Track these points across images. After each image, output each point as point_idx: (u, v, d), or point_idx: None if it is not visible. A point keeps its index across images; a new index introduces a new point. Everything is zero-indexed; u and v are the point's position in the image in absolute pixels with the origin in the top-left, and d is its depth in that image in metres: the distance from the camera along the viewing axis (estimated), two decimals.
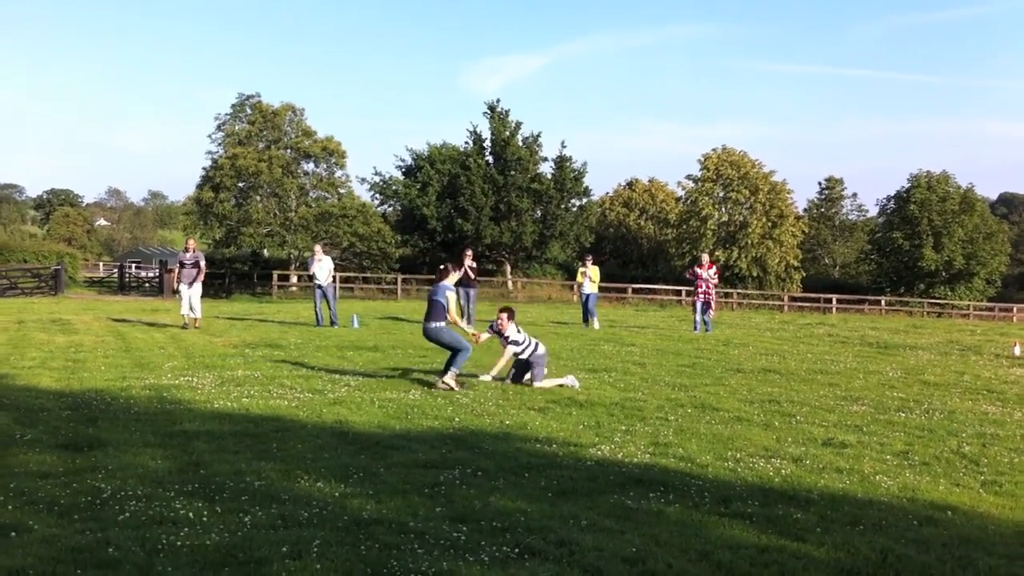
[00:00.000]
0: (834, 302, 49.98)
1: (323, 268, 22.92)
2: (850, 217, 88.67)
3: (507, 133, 51.37)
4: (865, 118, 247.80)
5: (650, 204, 77.67)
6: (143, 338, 18.11)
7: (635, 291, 48.15)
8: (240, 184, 50.19)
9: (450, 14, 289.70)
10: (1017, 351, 19.29)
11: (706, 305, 23.40)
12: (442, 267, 13.23)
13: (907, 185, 67.43)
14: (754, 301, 51.60)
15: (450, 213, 50.80)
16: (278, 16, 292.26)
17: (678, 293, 47.75)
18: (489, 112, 52.14)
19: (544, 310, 34.91)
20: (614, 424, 9.90)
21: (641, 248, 74.24)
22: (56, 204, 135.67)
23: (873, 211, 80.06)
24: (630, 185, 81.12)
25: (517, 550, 5.50)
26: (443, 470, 7.47)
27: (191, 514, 6.01)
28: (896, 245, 65.21)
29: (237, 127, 51.86)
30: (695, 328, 23.32)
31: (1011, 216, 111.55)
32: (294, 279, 48.72)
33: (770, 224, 62.17)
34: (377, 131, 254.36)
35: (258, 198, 50.64)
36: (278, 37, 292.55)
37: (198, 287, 21.14)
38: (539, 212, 51.97)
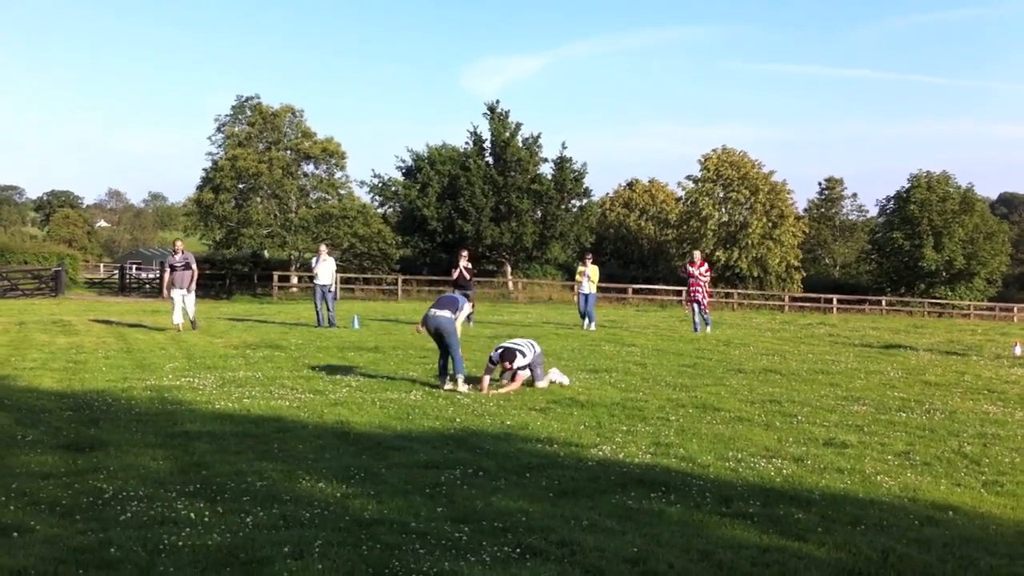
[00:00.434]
0: (835, 302, 49.95)
1: (326, 268, 22.92)
2: (850, 217, 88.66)
3: (507, 134, 51.33)
4: (865, 118, 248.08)
5: (650, 205, 77.68)
6: (144, 339, 18.12)
7: (635, 291, 48.11)
8: (240, 185, 50.13)
9: (450, 16, 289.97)
10: (1018, 351, 19.28)
11: (698, 304, 23.24)
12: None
13: (907, 185, 67.39)
14: (755, 301, 51.56)
15: (450, 214, 50.78)
16: (278, 18, 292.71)
17: (678, 293, 47.62)
18: (489, 113, 52.10)
19: (545, 311, 34.91)
20: (615, 424, 9.90)
21: (641, 248, 74.23)
22: (56, 206, 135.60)
23: (873, 211, 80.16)
24: (630, 186, 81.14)
25: (519, 550, 5.51)
26: (444, 470, 7.47)
27: (193, 514, 6.02)
28: (896, 245, 65.16)
29: (237, 129, 51.81)
30: (695, 328, 23.23)
31: (1011, 216, 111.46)
32: (295, 280, 48.69)
33: (770, 224, 62.11)
34: (377, 132, 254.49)
35: (258, 199, 50.58)
36: (278, 39, 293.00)
37: (191, 291, 20.31)
38: (539, 213, 51.93)
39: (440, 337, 12.43)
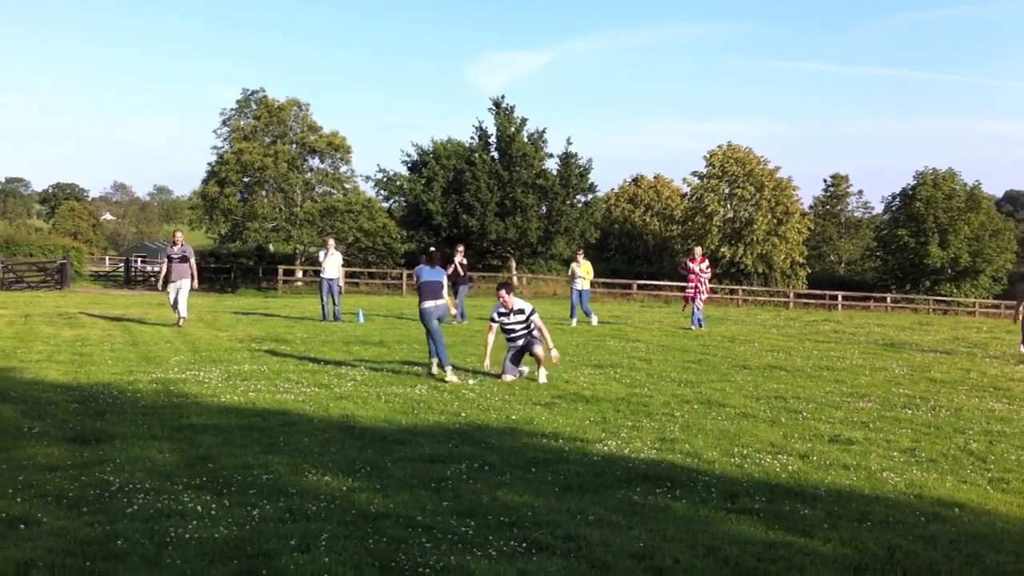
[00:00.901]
0: (840, 299, 49.90)
1: (333, 262, 22.92)
2: (856, 214, 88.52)
3: (512, 129, 51.33)
4: (871, 115, 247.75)
5: (655, 200, 77.63)
6: (149, 332, 18.14)
7: (640, 287, 48.12)
8: (245, 179, 50.23)
9: (456, 10, 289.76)
10: None
11: (689, 300, 22.92)
12: (432, 252, 13.52)
13: (913, 182, 67.28)
14: (760, 298, 51.53)
15: (455, 209, 50.80)
16: (284, 12, 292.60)
17: (683, 290, 47.57)
18: (494, 108, 52.09)
19: (549, 306, 34.86)
20: (620, 420, 9.90)
21: (646, 244, 74.22)
22: (62, 198, 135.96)
23: (879, 208, 79.96)
24: (635, 181, 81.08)
25: (525, 544, 5.51)
26: (450, 464, 7.48)
27: (199, 507, 6.03)
28: (902, 242, 65.07)
29: (242, 122, 51.90)
30: (700, 325, 22.91)
31: (1017, 214, 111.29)
32: (299, 274, 48.75)
33: (775, 221, 62.00)
34: (382, 127, 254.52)
35: (263, 193, 50.66)
36: (284, 33, 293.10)
37: (187, 284, 19.61)
38: (544, 208, 51.94)
39: (433, 324, 12.89)
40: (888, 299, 52.56)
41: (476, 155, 51.22)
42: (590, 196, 54.34)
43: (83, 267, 52.88)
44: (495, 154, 52.18)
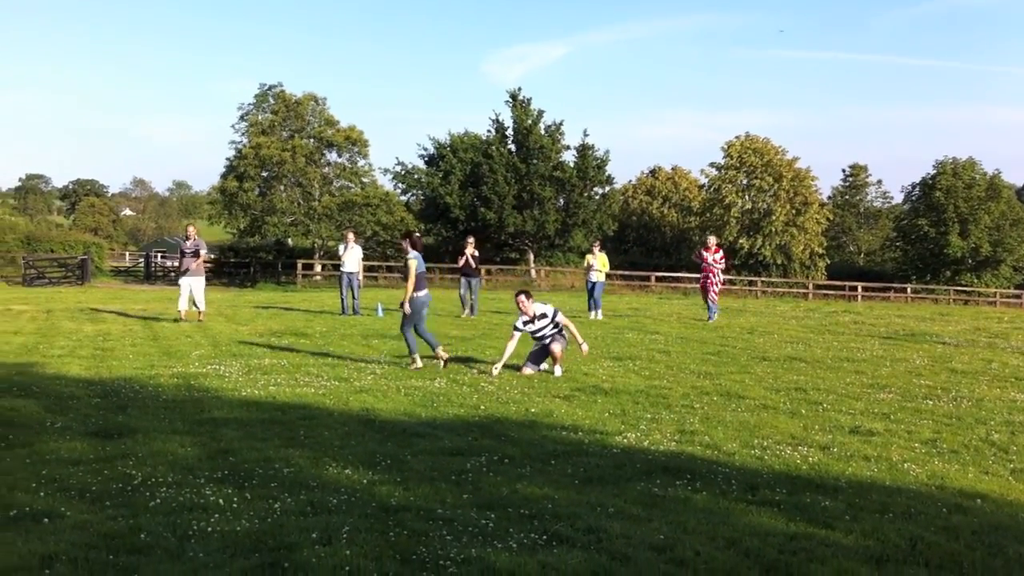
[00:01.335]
0: (859, 290, 49.69)
1: (353, 256, 22.97)
2: (875, 204, 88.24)
3: (529, 122, 51.30)
4: (890, 104, 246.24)
5: (673, 192, 77.45)
6: (170, 327, 18.23)
7: (658, 279, 48.06)
8: (264, 173, 50.39)
9: (472, 3, 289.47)
10: None
11: (705, 291, 22.83)
12: (417, 235, 13.53)
13: (932, 172, 66.94)
14: (778, 289, 51.38)
15: (473, 202, 50.83)
16: (300, 6, 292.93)
17: (698, 280, 47.54)
18: (511, 101, 52.07)
19: (567, 298, 34.87)
20: (639, 412, 9.89)
21: (664, 236, 74.07)
22: (82, 194, 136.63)
23: (898, 198, 79.70)
24: (653, 173, 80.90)
25: (545, 537, 5.51)
26: (469, 457, 7.49)
27: (221, 500, 6.05)
28: (922, 232, 64.76)
29: (260, 117, 52.05)
30: (710, 318, 22.55)
31: None
32: (318, 268, 48.87)
33: (794, 211, 61.83)
34: (399, 120, 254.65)
35: (282, 187, 50.83)
36: (300, 27, 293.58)
37: (201, 279, 20.01)
38: (562, 200, 51.90)
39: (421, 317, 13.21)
40: (908, 290, 52.30)
41: (493, 148, 51.21)
42: (607, 188, 54.28)
43: (103, 263, 53.27)
44: (512, 147, 52.17)
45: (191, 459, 7.24)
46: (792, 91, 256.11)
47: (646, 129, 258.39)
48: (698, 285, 26.12)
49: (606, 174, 52.96)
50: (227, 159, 52.20)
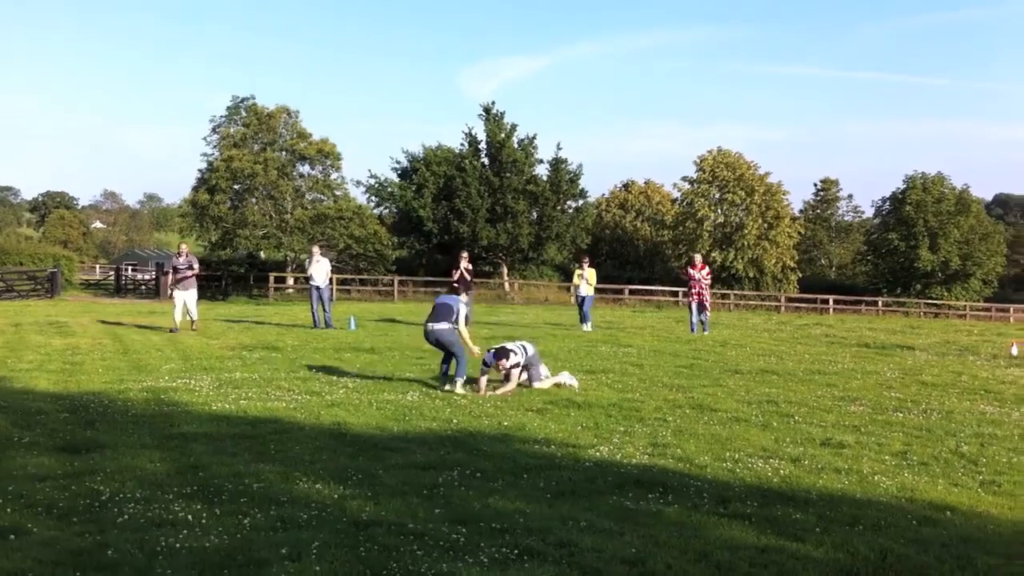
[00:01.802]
0: (831, 303, 50.04)
1: (320, 270, 22.91)
2: (846, 218, 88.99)
3: (503, 135, 51.34)
4: (860, 120, 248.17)
5: (646, 206, 77.66)
6: (140, 340, 18.10)
7: (632, 292, 48.17)
8: (236, 186, 50.08)
9: (447, 16, 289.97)
10: (1015, 351, 19.32)
11: (701, 306, 23.43)
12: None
13: (902, 186, 67.55)
14: (751, 302, 51.63)
15: (446, 215, 50.77)
16: (273, 18, 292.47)
17: (675, 294, 47.79)
18: (484, 114, 52.11)
19: (541, 312, 34.94)
20: (612, 425, 9.90)
21: (637, 250, 74.22)
22: (51, 206, 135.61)
23: (869, 212, 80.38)
24: (626, 187, 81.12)
25: (516, 551, 5.50)
26: (442, 471, 7.47)
27: (190, 516, 6.01)
28: (892, 246, 65.30)
29: (232, 129, 51.74)
30: (692, 329, 23.35)
31: (1007, 217, 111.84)
32: (291, 281, 48.66)
33: (766, 225, 62.18)
34: (372, 134, 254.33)
35: (254, 200, 50.54)
36: (273, 39, 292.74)
37: (194, 291, 21.38)
38: (535, 214, 51.91)
39: (442, 346, 12.66)
40: (879, 303, 52.68)
41: (466, 161, 51.22)
42: (581, 202, 54.34)
43: (74, 275, 52.74)
44: (485, 160, 52.19)
45: (160, 474, 7.18)
46: (764, 106, 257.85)
47: (619, 143, 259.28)
48: (686, 300, 26.72)
49: (579, 188, 53.04)
50: (199, 171, 51.89)
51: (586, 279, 24.78)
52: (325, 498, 6.61)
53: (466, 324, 12.72)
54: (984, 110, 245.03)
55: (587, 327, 24.05)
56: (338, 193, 52.41)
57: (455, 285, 23.28)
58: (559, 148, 52.54)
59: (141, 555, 5.26)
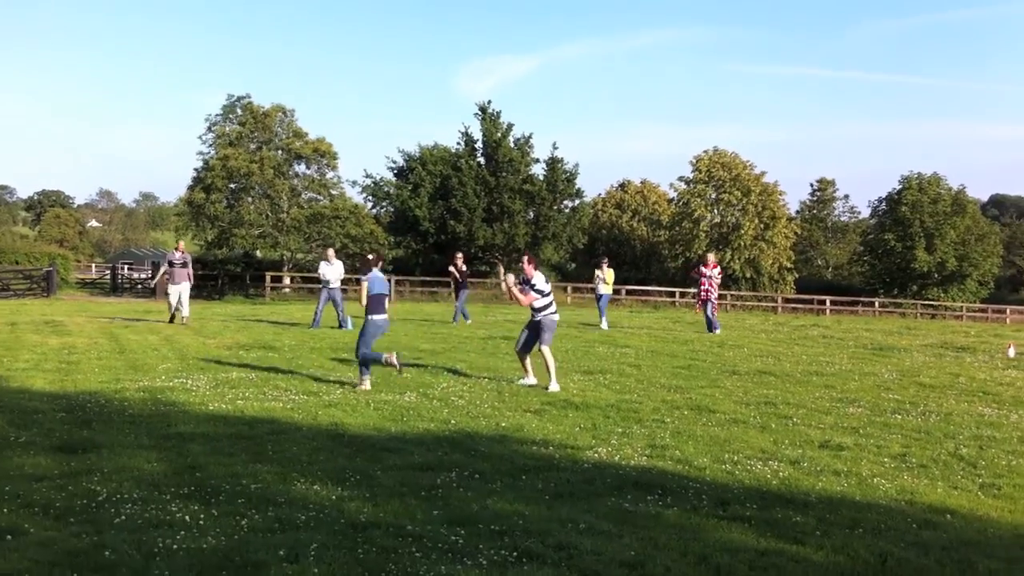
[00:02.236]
0: (828, 303, 50.05)
1: (335, 271, 22.92)
2: (842, 219, 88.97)
3: (499, 134, 51.28)
4: (856, 120, 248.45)
5: (642, 206, 77.63)
6: (137, 339, 18.05)
7: (628, 293, 48.16)
8: (232, 185, 50.06)
9: (443, 16, 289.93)
10: (1012, 352, 19.32)
11: (708, 304, 23.58)
12: (372, 256, 13.40)
13: (898, 187, 67.57)
14: (748, 303, 51.65)
15: (442, 215, 50.71)
16: (269, 17, 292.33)
17: (671, 295, 47.82)
18: (480, 113, 52.04)
19: None
20: (610, 426, 9.89)
21: (634, 250, 74.19)
22: (47, 205, 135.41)
23: (865, 213, 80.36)
24: (622, 187, 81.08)
25: (515, 553, 5.49)
26: (440, 472, 7.45)
27: (187, 517, 5.99)
28: (888, 247, 65.31)
29: (228, 128, 51.71)
30: (709, 329, 23.38)
31: (1002, 218, 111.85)
32: (287, 280, 48.63)
33: (762, 226, 62.22)
34: (369, 133, 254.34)
35: (250, 199, 50.50)
36: (269, 38, 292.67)
37: (187, 286, 22.39)
38: (532, 214, 51.86)
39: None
40: (876, 304, 52.71)
41: (463, 161, 51.16)
42: (577, 201, 54.30)
43: (69, 274, 52.72)
44: (481, 160, 52.13)
45: (157, 475, 7.16)
46: (760, 106, 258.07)
47: (615, 143, 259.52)
48: (696, 300, 27.15)
49: (576, 187, 52.97)
50: (194, 170, 51.84)
51: (603, 278, 25.47)
52: (323, 499, 6.59)
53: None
54: (980, 111, 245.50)
55: (604, 325, 24.74)
56: (334, 192, 52.42)
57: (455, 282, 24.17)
58: (555, 148, 52.33)
59: (138, 556, 5.24)
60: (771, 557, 5.60)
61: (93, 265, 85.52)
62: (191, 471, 7.28)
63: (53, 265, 45.69)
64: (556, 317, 13.16)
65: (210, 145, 51.64)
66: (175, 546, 5.41)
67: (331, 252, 23.90)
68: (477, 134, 52.32)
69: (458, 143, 53.35)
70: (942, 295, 62.76)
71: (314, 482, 7.04)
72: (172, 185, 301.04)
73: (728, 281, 60.14)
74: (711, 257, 25.18)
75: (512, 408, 10.86)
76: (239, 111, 51.68)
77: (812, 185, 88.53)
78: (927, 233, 63.98)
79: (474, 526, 6.01)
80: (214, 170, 48.79)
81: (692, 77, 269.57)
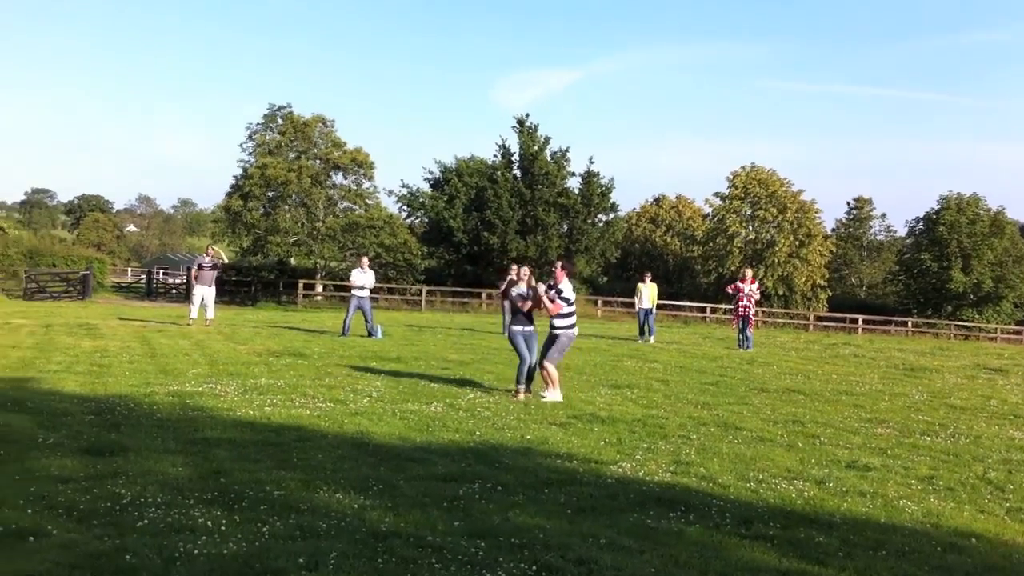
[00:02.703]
0: (860, 322, 49.58)
1: (367, 279, 23.03)
2: (878, 237, 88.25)
3: (535, 147, 51.37)
4: (896, 138, 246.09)
5: (677, 220, 77.52)
6: (168, 344, 18.19)
7: (659, 307, 47.80)
8: (269, 193, 50.45)
9: (484, 28, 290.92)
10: None
11: (745, 320, 23.47)
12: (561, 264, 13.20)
13: (936, 207, 67.02)
14: (779, 320, 51.30)
15: (476, 226, 50.82)
16: (310, 27, 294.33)
17: (703, 310, 47.59)
18: (518, 126, 52.18)
19: None
20: (635, 441, 9.84)
21: (667, 264, 74.00)
22: (87, 210, 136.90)
23: (902, 232, 79.65)
24: (657, 201, 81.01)
25: (535, 567, 5.46)
26: (462, 484, 7.44)
27: (210, 522, 6.00)
28: (924, 266, 64.78)
29: (268, 137, 52.16)
30: (739, 346, 23.35)
31: None
32: (320, 288, 48.88)
33: (797, 243, 61.89)
34: (406, 143, 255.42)
35: (286, 207, 50.88)
36: (310, 48, 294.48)
37: (212, 289, 23.60)
38: (565, 227, 51.91)
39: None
40: (909, 323, 52.20)
41: (498, 173, 51.28)
42: (611, 215, 54.27)
43: (105, 278, 53.21)
44: (517, 172, 52.23)
45: (182, 479, 7.19)
46: (799, 122, 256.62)
47: (651, 157, 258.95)
48: (731, 317, 27.49)
49: (610, 201, 52.98)
50: (233, 178, 52.33)
51: (645, 294, 26.02)
52: (345, 508, 6.59)
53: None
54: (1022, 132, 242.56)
55: (650, 339, 25.25)
56: (370, 202, 52.69)
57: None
58: (591, 162, 52.40)
59: (159, 560, 5.26)
60: None
61: (129, 269, 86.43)
62: (215, 476, 7.31)
63: (89, 268, 46.17)
64: (574, 332, 13.02)
65: (250, 153, 52.12)
66: (196, 551, 5.42)
67: (365, 260, 24.02)
68: (514, 147, 52.46)
69: (494, 155, 53.51)
70: (976, 316, 62.10)
71: (337, 490, 7.04)
72: (211, 192, 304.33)
73: (760, 298, 59.87)
74: (748, 272, 25.06)
75: (538, 420, 10.84)
76: (280, 120, 52.12)
77: (849, 203, 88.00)
78: (964, 254, 63.41)
79: (495, 538, 5.99)
80: (252, 178, 49.20)
81: (730, 92, 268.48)
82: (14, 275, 44.15)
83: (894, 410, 13.26)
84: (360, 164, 52.15)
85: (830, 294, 65.30)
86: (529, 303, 12.96)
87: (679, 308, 48.58)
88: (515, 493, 7.26)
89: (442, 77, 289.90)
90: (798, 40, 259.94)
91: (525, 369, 12.99)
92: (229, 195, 51.75)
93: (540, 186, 50.42)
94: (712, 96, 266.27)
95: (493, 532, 6.13)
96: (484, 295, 45.02)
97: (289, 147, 51.47)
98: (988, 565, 6.05)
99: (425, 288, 46.38)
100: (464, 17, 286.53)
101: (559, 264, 13.11)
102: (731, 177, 64.81)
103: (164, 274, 72.24)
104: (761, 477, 8.29)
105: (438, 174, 57.29)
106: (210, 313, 23.49)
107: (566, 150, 52.03)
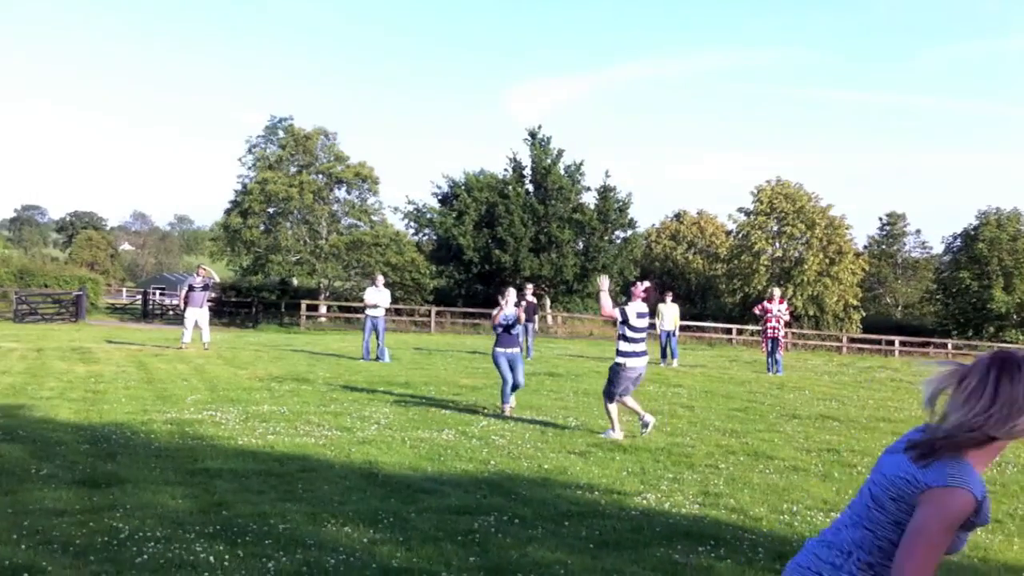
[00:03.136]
0: (896, 344, 49.34)
1: (383, 297, 22.95)
2: (913, 255, 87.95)
3: (548, 161, 51.40)
4: (930, 149, 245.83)
5: (699, 237, 77.54)
6: (166, 369, 18.23)
7: (682, 329, 47.79)
8: (270, 210, 50.67)
9: (493, 37, 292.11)
10: None
11: (775, 343, 23.45)
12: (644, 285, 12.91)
13: (975, 222, 66.81)
14: (810, 342, 51.11)
15: (487, 243, 50.84)
16: (312, 38, 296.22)
17: (728, 332, 47.47)
18: (530, 139, 52.23)
19: (585, 346, 34.80)
20: (660, 471, 9.80)
21: (689, 283, 73.99)
22: (79, 227, 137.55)
23: (938, 248, 79.42)
24: (678, 217, 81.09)
25: None
26: (477, 516, 7.42)
27: (212, 558, 6.00)
28: (963, 285, 64.50)
29: (268, 151, 52.41)
30: (768, 370, 23.31)
31: None
32: (323, 309, 48.95)
33: (827, 261, 61.71)
34: (412, 158, 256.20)
35: (288, 224, 51.06)
36: (313, 59, 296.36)
37: (206, 311, 23.59)
38: (581, 244, 51.89)
39: None
40: (949, 345, 51.96)
41: (510, 188, 51.31)
42: (629, 232, 54.25)
43: (99, 299, 53.46)
44: (530, 187, 52.26)
45: (182, 512, 7.19)
46: (827, 133, 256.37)
47: (670, 170, 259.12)
48: (761, 339, 27.32)
49: (628, 217, 52.95)
50: (233, 192, 52.56)
51: (666, 314, 26.34)
52: (354, 542, 6.58)
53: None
54: None
55: (673, 362, 25.54)
56: (375, 219, 52.87)
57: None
58: (607, 176, 52.41)
59: None
60: None
61: (124, 290, 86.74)
62: (217, 509, 7.31)
63: (83, 289, 46.35)
64: (632, 363, 12.33)
65: (250, 167, 52.38)
66: None
67: (380, 278, 23.97)
68: (526, 160, 52.49)
69: (505, 169, 53.55)
70: (1020, 337, 61.76)
71: (345, 523, 7.03)
72: (209, 209, 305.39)
73: (790, 319, 59.69)
74: (777, 292, 25.13)
75: (556, 449, 10.81)
76: (281, 133, 52.36)
77: (881, 219, 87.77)
78: (1005, 272, 63.15)
79: (512, 575, 5.96)
80: (252, 194, 49.41)
81: (754, 102, 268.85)
82: (4, 296, 44.37)
83: None
84: (364, 179, 52.37)
85: (864, 314, 65.01)
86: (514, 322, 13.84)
87: (703, 329, 48.47)
88: (533, 526, 7.23)
89: (449, 88, 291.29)
90: (825, 46, 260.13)
91: (508, 389, 13.83)
92: (228, 212, 51.97)
93: (554, 201, 50.44)
94: (735, 105, 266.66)
95: (511, 568, 6.11)
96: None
97: (290, 161, 51.71)
98: None
99: (434, 309, 46.40)
100: (472, 25, 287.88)
101: (639, 284, 12.80)
102: (756, 192, 64.72)
103: (161, 295, 72.33)
104: (795, 509, 8.24)
105: (447, 189, 57.39)
106: (205, 336, 23.50)
107: (580, 163, 52.09)
